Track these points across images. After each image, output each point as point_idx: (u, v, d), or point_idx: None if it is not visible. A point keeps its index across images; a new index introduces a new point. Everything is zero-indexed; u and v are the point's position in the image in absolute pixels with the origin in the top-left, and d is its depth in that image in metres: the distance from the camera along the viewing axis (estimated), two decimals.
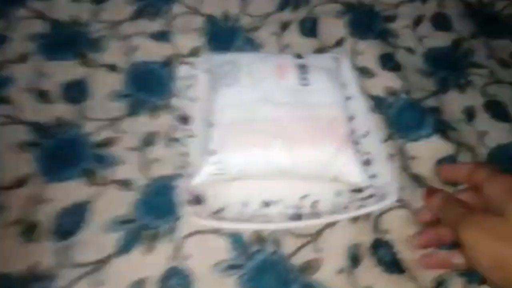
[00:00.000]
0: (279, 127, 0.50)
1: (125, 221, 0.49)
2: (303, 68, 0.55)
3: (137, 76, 0.60)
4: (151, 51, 0.62)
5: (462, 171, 0.49)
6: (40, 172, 0.51)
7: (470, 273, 0.48)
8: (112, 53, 0.62)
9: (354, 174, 0.50)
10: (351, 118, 0.55)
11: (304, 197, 0.51)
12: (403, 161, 0.56)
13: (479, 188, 0.45)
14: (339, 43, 0.66)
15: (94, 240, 0.48)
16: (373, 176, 0.52)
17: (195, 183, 0.48)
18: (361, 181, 0.50)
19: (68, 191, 0.50)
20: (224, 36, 0.65)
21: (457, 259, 0.46)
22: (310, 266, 0.48)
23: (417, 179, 0.54)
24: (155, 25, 0.65)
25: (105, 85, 0.59)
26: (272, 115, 0.50)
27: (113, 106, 0.57)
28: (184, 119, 0.55)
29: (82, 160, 0.53)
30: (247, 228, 0.49)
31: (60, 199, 0.50)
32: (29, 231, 0.48)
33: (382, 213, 0.51)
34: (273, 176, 0.50)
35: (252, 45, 0.64)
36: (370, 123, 0.56)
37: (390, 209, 0.52)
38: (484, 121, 0.59)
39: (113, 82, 0.59)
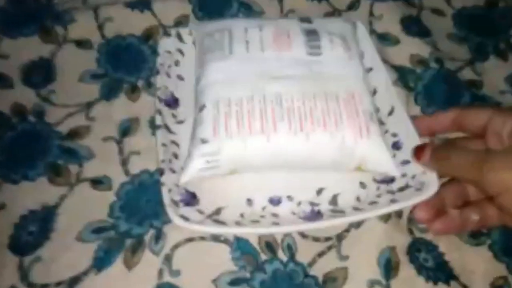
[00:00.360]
0: (284, 107, 0.41)
1: (100, 229, 0.40)
2: (312, 34, 0.46)
3: (112, 53, 0.51)
4: (128, 23, 0.52)
5: (444, 117, 0.42)
6: None
7: None
8: (81, 26, 0.52)
9: (382, 162, 0.41)
10: (373, 93, 0.46)
11: (320, 190, 0.42)
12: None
13: (478, 133, 0.39)
14: (352, 6, 0.56)
15: (63, 253, 0.38)
16: (405, 163, 0.42)
17: (183, 181, 0.40)
18: (391, 169, 0.41)
19: (29, 194, 0.41)
20: (215, 2, 0.55)
21: (475, 215, 0.39)
22: (333, 278, 0.39)
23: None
24: None
25: (74, 64, 0.49)
26: (276, 91, 0.42)
27: (84, 88, 0.48)
28: (171, 102, 0.46)
29: (47, 154, 0.43)
30: (252, 232, 0.40)
31: (19, 204, 0.41)
32: None
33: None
34: (280, 168, 0.42)
35: (249, 12, 0.55)
36: (395, 98, 0.46)
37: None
38: None
39: (83, 60, 0.50)
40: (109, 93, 0.47)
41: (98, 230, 0.39)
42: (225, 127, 0.40)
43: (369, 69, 0.48)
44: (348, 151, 0.40)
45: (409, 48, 0.53)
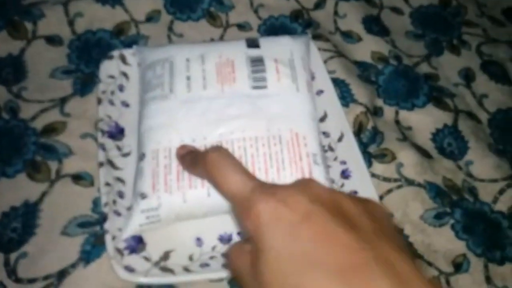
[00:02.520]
0: None
1: (86, 223, 0.40)
2: (257, 64, 0.43)
3: (83, 48, 0.50)
4: (99, 18, 0.52)
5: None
6: None
7: (490, 252, 0.43)
8: (51, 22, 0.51)
9: None
10: (322, 118, 0.46)
11: None
12: (400, 131, 0.50)
13: None
14: (319, 5, 0.58)
15: (50, 248, 0.38)
16: (353, 193, 0.42)
17: (124, 237, 0.38)
18: None
19: (9, 191, 0.41)
20: None
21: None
22: None
23: (419, 150, 0.48)
24: None
25: (45, 60, 0.49)
26: (217, 139, 0.39)
27: (57, 84, 0.47)
28: (115, 133, 0.43)
29: (24, 151, 0.43)
30: (202, 278, 0.38)
31: (0, 201, 0.40)
32: None
33: (382, 194, 0.45)
34: (223, 212, 0.39)
35: (221, 6, 0.55)
36: (344, 123, 0.46)
37: (390, 189, 0.46)
38: (483, 83, 0.54)
39: (54, 56, 0.49)
40: (82, 89, 0.47)
41: (83, 225, 0.40)
42: (164, 182, 0.38)
43: (320, 92, 0.48)
44: None
45: (370, 46, 0.56)
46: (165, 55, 0.44)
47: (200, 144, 0.39)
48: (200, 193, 0.38)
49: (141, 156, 0.39)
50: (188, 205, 0.38)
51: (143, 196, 0.38)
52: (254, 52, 0.44)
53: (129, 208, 0.38)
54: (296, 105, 0.42)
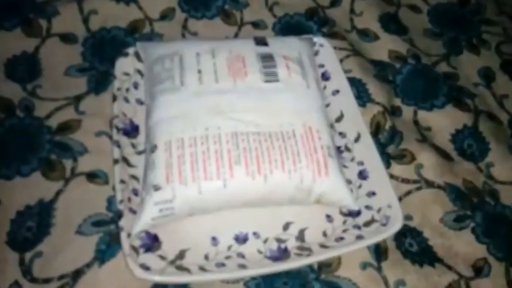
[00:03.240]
0: (241, 148, 0.38)
1: (100, 222, 0.39)
2: (268, 60, 0.44)
3: (97, 46, 0.50)
4: (113, 15, 0.52)
5: None
6: None
7: (511, 256, 0.42)
8: (66, 19, 0.51)
9: (341, 197, 0.40)
10: (339, 119, 0.46)
11: (287, 225, 0.41)
12: (420, 132, 0.49)
13: None
14: (335, 2, 0.58)
15: (65, 247, 0.38)
16: (370, 194, 0.42)
17: (136, 231, 0.37)
18: (349, 203, 0.41)
19: (24, 190, 0.40)
20: None
21: None
22: (328, 264, 0.40)
23: (438, 151, 0.48)
24: None
25: (59, 58, 0.48)
26: (231, 130, 0.39)
27: (71, 82, 0.47)
28: (130, 130, 0.43)
29: (39, 149, 0.42)
30: (217, 278, 0.38)
31: (15, 200, 0.40)
32: None
33: (401, 196, 0.44)
34: (239, 207, 0.39)
35: (235, 4, 0.55)
36: (361, 123, 0.45)
37: (409, 191, 0.45)
38: (503, 83, 0.53)
39: (68, 54, 0.49)
40: (97, 87, 0.47)
41: (98, 223, 0.39)
42: (179, 173, 0.37)
43: (336, 92, 0.47)
44: (306, 189, 0.39)
45: (388, 45, 0.55)
46: (174, 49, 0.44)
47: (214, 133, 0.39)
48: (216, 184, 0.37)
49: (153, 148, 0.39)
50: (203, 197, 0.37)
51: (157, 188, 0.37)
52: (263, 49, 0.45)
53: (141, 203, 0.38)
54: (308, 100, 0.43)
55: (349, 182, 0.42)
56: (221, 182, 0.37)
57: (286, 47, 0.46)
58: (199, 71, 0.42)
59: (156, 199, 0.37)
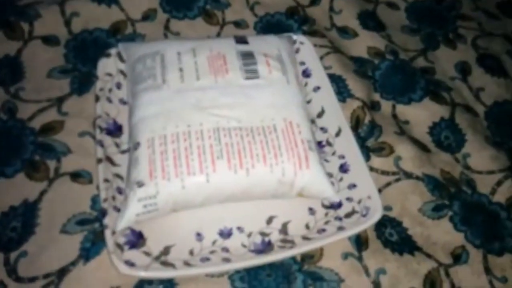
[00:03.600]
0: (223, 143, 0.39)
1: (85, 221, 0.40)
2: (248, 57, 0.44)
3: (79, 48, 0.50)
4: (95, 17, 0.52)
5: None
6: None
7: (489, 243, 0.44)
8: (48, 22, 0.51)
9: (322, 189, 0.41)
10: (320, 114, 0.47)
11: (271, 219, 0.41)
12: (398, 125, 0.50)
13: None
14: (314, 1, 0.59)
15: (50, 246, 0.38)
16: (351, 187, 0.43)
17: (120, 228, 0.37)
18: (331, 195, 0.42)
19: (8, 191, 0.41)
20: None
21: None
22: (311, 255, 0.41)
23: (416, 143, 0.49)
24: None
25: (42, 60, 0.49)
26: (212, 126, 0.40)
27: (54, 84, 0.47)
28: (113, 130, 0.43)
29: (22, 151, 0.43)
30: (202, 272, 0.38)
31: None
32: None
33: (381, 188, 0.45)
34: (222, 202, 0.40)
35: (217, 4, 0.56)
36: (341, 118, 0.46)
37: (389, 183, 0.46)
38: (479, 76, 0.55)
39: (51, 56, 0.49)
40: (80, 88, 0.47)
41: (83, 222, 0.40)
42: (162, 168, 0.37)
43: (317, 88, 0.49)
44: (288, 183, 0.40)
45: (366, 41, 0.56)
46: (155, 49, 0.44)
47: (197, 129, 0.39)
48: (199, 179, 0.38)
49: (135, 146, 0.39)
50: (187, 191, 0.38)
51: (140, 184, 0.37)
52: (243, 47, 0.45)
53: (124, 199, 0.38)
54: (288, 96, 0.43)
55: (330, 175, 0.43)
56: (204, 177, 0.38)
57: (266, 45, 0.47)
58: (181, 69, 0.43)
59: (140, 195, 0.37)
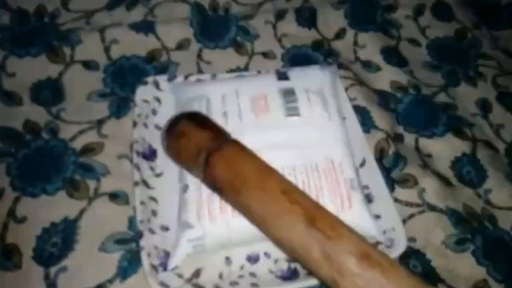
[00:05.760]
0: None
1: (122, 240, 0.41)
2: (289, 95, 0.46)
3: (118, 73, 0.53)
4: (133, 45, 0.55)
5: None
6: (13, 186, 0.43)
7: (511, 278, 0.45)
8: (88, 48, 0.54)
9: (366, 229, 0.41)
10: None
11: None
12: (421, 159, 0.51)
13: None
14: (339, 35, 0.61)
15: (88, 263, 0.40)
16: (376, 217, 0.43)
17: (171, 266, 0.39)
18: (375, 234, 0.42)
19: (49, 208, 0.42)
20: (214, 26, 0.58)
21: None
22: None
23: (439, 176, 0.50)
24: (135, 15, 0.57)
25: (82, 84, 0.51)
26: None
27: (93, 107, 0.50)
28: (148, 154, 0.45)
29: (63, 170, 0.45)
30: None
31: (40, 217, 0.42)
32: (6, 257, 0.40)
33: (405, 219, 0.46)
34: (265, 240, 0.40)
35: (246, 35, 0.58)
36: (366, 149, 0.47)
37: (413, 214, 0.47)
38: (499, 114, 0.56)
39: (90, 80, 0.52)
40: (118, 111, 0.49)
41: (120, 241, 0.41)
42: (208, 211, 0.39)
43: (344, 118, 0.49)
44: None
45: (389, 76, 0.58)
46: (201, 92, 0.46)
47: None
48: (243, 221, 0.39)
49: (185, 188, 0.41)
50: (232, 232, 0.39)
51: (189, 226, 0.39)
52: (284, 84, 0.47)
53: (175, 238, 0.40)
54: (330, 133, 0.44)
55: (377, 216, 0.43)
56: None
57: (307, 79, 0.48)
58: (224, 114, 0.44)
59: (189, 237, 0.39)
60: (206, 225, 0.39)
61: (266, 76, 0.49)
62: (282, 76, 0.48)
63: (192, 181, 0.41)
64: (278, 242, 0.37)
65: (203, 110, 0.44)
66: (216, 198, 0.40)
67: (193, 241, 0.39)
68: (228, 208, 0.39)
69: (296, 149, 0.43)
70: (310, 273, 0.37)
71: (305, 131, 0.44)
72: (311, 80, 0.48)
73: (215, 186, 0.38)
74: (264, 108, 0.45)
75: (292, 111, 0.45)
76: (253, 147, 0.41)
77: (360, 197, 0.42)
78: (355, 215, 0.41)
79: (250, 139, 0.42)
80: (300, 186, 0.40)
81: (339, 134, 0.45)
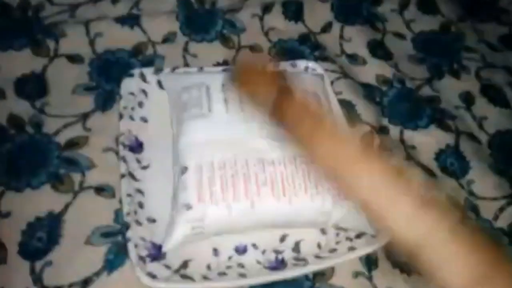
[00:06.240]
0: (267, 172, 0.41)
1: (108, 233, 0.41)
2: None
3: (103, 67, 0.52)
4: (118, 38, 0.54)
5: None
6: None
7: None
8: (73, 41, 0.53)
9: (358, 221, 0.42)
10: None
11: (283, 237, 0.43)
12: (406, 151, 0.52)
13: None
14: (325, 29, 0.61)
15: (74, 257, 0.40)
16: None
17: (167, 248, 0.39)
18: (366, 228, 0.43)
19: (34, 202, 0.42)
20: (201, 19, 0.58)
21: None
22: (322, 273, 0.43)
23: (423, 168, 0.51)
24: (120, 8, 0.57)
25: (66, 77, 0.51)
26: (258, 156, 0.41)
27: (78, 100, 0.49)
28: (135, 147, 0.45)
29: (48, 164, 0.44)
30: (219, 286, 0.40)
31: (25, 211, 0.42)
32: None
33: None
34: (263, 228, 0.42)
35: (233, 28, 0.58)
36: None
37: None
38: (482, 106, 0.57)
39: (75, 74, 0.51)
40: (103, 105, 0.49)
41: (106, 234, 0.41)
42: (210, 193, 0.39)
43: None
44: (327, 213, 0.41)
45: (375, 69, 0.58)
46: (200, 80, 0.46)
47: (241, 158, 0.41)
48: (244, 204, 0.40)
49: (183, 170, 0.41)
50: (232, 216, 0.39)
51: (188, 207, 0.39)
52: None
53: (171, 220, 0.40)
54: None
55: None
56: (249, 203, 0.40)
57: (303, 81, 0.48)
58: (225, 100, 0.44)
59: (188, 217, 0.39)
60: (207, 206, 0.39)
61: None
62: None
63: (192, 163, 0.41)
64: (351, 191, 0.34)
65: (203, 95, 0.44)
66: (217, 180, 0.40)
67: (191, 222, 0.39)
68: (230, 191, 0.40)
69: None
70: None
71: None
72: (306, 82, 0.48)
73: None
74: None
75: None
76: (254, 138, 0.42)
77: None
78: (349, 207, 0.42)
79: (251, 131, 0.42)
80: (301, 175, 0.41)
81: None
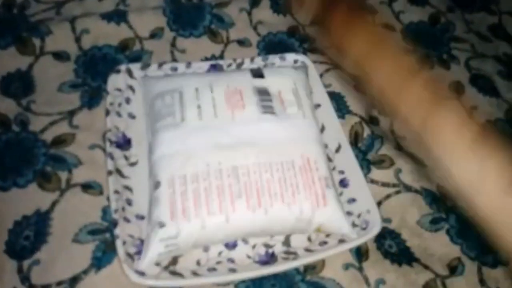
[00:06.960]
0: (242, 181, 0.40)
1: (96, 231, 0.41)
2: (264, 94, 0.45)
3: (89, 63, 0.52)
4: (105, 34, 0.54)
5: None
6: None
7: (483, 256, 0.46)
8: (59, 38, 0.53)
9: (339, 225, 0.42)
10: (321, 131, 0.48)
11: None
12: (396, 141, 0.52)
13: None
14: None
15: (62, 255, 0.40)
16: (351, 201, 0.44)
17: (142, 267, 0.38)
18: (347, 231, 0.42)
19: (20, 200, 0.42)
20: (188, 14, 0.57)
21: None
22: (313, 266, 0.42)
23: (413, 158, 0.51)
24: (106, 4, 0.56)
25: (52, 75, 0.50)
26: (232, 164, 0.40)
27: (65, 98, 0.49)
28: (122, 143, 0.45)
29: (34, 162, 0.44)
30: (209, 282, 0.39)
31: (11, 210, 0.41)
32: None
33: (381, 200, 0.47)
34: (241, 238, 0.42)
35: (221, 23, 0.58)
36: (341, 134, 0.48)
37: (389, 195, 0.47)
38: (472, 96, 0.57)
39: (61, 71, 0.51)
40: (89, 102, 0.49)
41: (94, 232, 0.41)
42: (182, 209, 0.38)
43: (317, 105, 0.50)
44: (306, 220, 0.41)
45: None
46: (174, 86, 0.45)
47: (215, 168, 0.40)
48: (218, 219, 0.39)
49: (156, 185, 0.40)
50: (207, 231, 0.39)
51: (161, 224, 0.38)
52: (259, 82, 0.46)
53: (146, 237, 0.39)
54: (304, 130, 0.45)
55: (349, 213, 0.44)
56: (224, 217, 0.39)
57: (281, 79, 0.48)
58: (199, 106, 0.43)
59: (161, 235, 0.38)
60: (180, 223, 0.38)
61: (240, 73, 0.49)
62: (257, 74, 0.47)
63: (164, 178, 0.40)
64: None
65: (176, 103, 0.44)
66: (190, 195, 0.39)
67: (165, 240, 0.38)
68: (203, 206, 0.39)
69: (273, 146, 0.42)
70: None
71: (281, 129, 0.44)
72: (285, 79, 0.48)
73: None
74: (239, 104, 0.44)
75: (268, 109, 0.44)
76: (228, 142, 0.41)
77: (334, 194, 0.42)
78: (329, 213, 0.41)
79: (225, 134, 0.42)
80: (277, 182, 0.40)
81: (314, 131, 0.45)
